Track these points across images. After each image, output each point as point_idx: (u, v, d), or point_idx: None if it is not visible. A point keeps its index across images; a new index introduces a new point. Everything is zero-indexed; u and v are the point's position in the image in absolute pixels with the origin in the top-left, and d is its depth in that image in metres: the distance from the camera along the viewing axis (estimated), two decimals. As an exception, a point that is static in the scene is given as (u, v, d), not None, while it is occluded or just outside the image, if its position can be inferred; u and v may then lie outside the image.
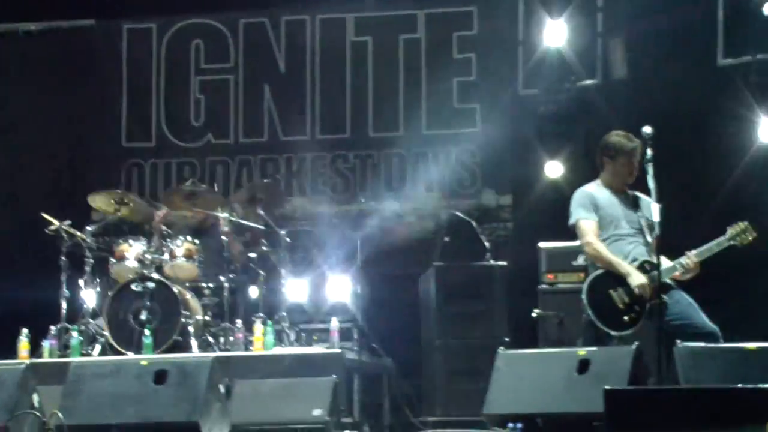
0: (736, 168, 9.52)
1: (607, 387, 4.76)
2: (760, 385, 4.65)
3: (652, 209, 6.26)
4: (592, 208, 6.83)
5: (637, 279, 6.52)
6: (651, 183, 6.33)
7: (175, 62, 11.43)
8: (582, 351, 6.11)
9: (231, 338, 8.62)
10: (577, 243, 8.49)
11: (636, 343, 6.05)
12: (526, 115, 10.50)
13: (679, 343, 5.91)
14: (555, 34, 9.83)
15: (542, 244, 8.81)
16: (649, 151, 6.47)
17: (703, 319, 6.52)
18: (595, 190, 6.94)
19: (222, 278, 8.93)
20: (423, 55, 11.19)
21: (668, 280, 6.62)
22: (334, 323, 8.65)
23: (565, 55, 9.96)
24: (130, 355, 8.11)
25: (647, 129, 6.54)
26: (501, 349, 6.44)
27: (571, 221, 6.96)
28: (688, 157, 9.54)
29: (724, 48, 9.42)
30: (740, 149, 9.57)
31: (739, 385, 5.02)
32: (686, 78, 9.76)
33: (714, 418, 4.51)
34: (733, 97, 9.51)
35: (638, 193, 6.91)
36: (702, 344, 6.08)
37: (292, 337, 9.06)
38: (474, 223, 9.58)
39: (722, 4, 9.34)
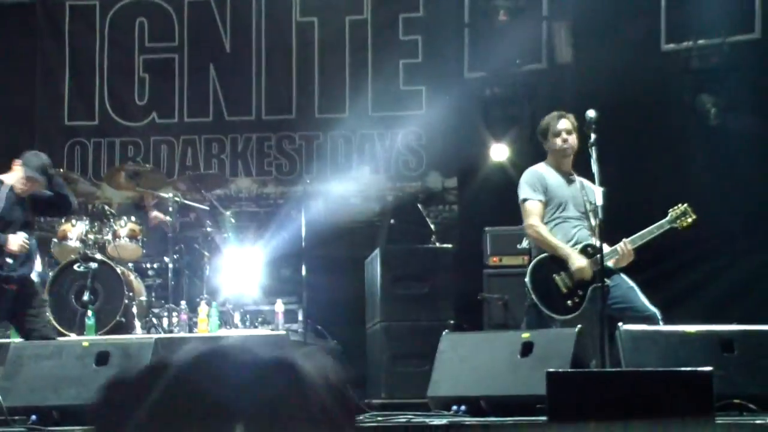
0: (680, 153, 9.62)
1: (549, 370, 4.78)
2: (700, 368, 4.71)
3: (595, 193, 6.30)
4: (541, 188, 6.84)
5: (578, 262, 6.56)
6: (594, 167, 6.36)
7: (118, 41, 11.30)
8: (525, 334, 6.13)
9: (175, 320, 8.56)
10: (520, 226, 8.61)
11: (578, 326, 6.08)
12: (471, 98, 10.51)
13: (621, 327, 5.95)
14: (500, 17, 9.86)
15: (487, 228, 8.86)
16: (592, 135, 6.50)
17: (644, 302, 6.57)
18: (545, 170, 6.95)
19: (166, 258, 8.86)
20: (369, 36, 11.17)
21: (608, 264, 6.67)
22: (279, 305, 8.62)
23: (511, 38, 9.99)
24: (72, 336, 8.02)
25: (591, 113, 6.58)
26: (445, 332, 6.46)
27: (519, 200, 6.96)
28: (633, 142, 9.62)
29: (666, 33, 9.48)
30: (683, 134, 9.67)
31: (679, 368, 5.08)
32: (631, 62, 9.81)
33: (654, 400, 4.55)
34: (676, 82, 9.60)
35: (583, 179, 6.94)
36: (643, 327, 6.13)
37: (237, 318, 9.02)
38: (420, 206, 9.60)
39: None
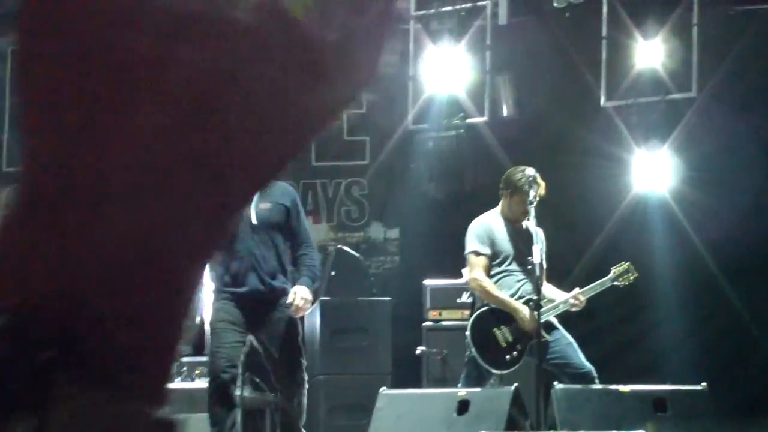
0: (617, 208, 9.72)
1: (482, 432, 4.78)
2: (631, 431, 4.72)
3: (534, 251, 6.32)
4: (487, 241, 6.84)
5: (526, 315, 6.54)
6: (533, 225, 6.38)
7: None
8: (462, 392, 6.13)
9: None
10: (460, 280, 8.64)
11: (515, 384, 6.09)
12: (414, 149, 10.55)
13: (556, 385, 5.97)
14: (445, 70, 9.94)
15: (427, 281, 8.86)
16: (531, 193, 6.53)
17: (581, 359, 6.59)
18: (493, 220, 6.94)
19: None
20: (314, 86, 11.16)
21: (552, 319, 6.69)
22: (217, 357, 8.47)
23: (454, 91, 10.06)
24: None
25: (530, 171, 6.62)
26: (382, 390, 6.43)
27: (465, 252, 6.97)
28: (572, 196, 9.70)
29: (606, 90, 9.61)
30: (621, 190, 9.78)
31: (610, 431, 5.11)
32: (571, 118, 9.93)
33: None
34: (615, 138, 9.72)
35: (530, 225, 6.93)
36: (578, 386, 6.16)
37: (174, 370, 8.89)
38: (361, 258, 9.58)
39: (605, 47, 9.53)
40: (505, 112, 10.04)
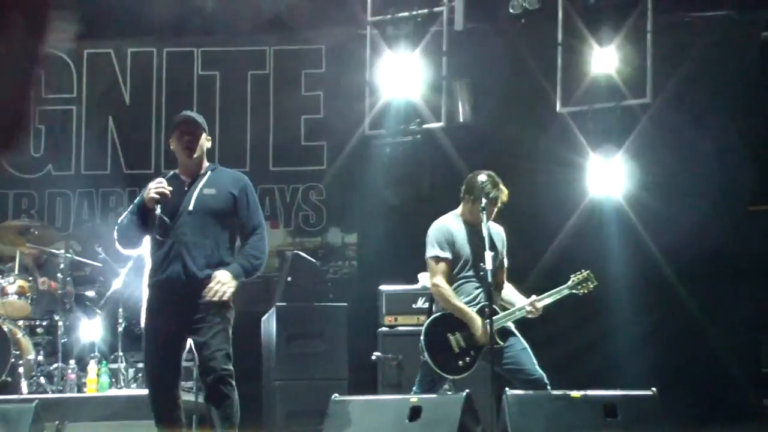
0: (573, 213, 9.78)
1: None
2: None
3: (486, 257, 6.31)
4: (448, 246, 6.78)
5: (480, 329, 6.52)
6: (485, 231, 6.39)
7: (14, 91, 11.10)
8: (414, 398, 6.12)
9: (64, 379, 8.36)
10: (416, 286, 8.65)
11: (467, 390, 6.09)
12: (372, 155, 10.55)
13: (508, 391, 5.98)
14: (401, 76, 9.95)
15: (382, 287, 8.85)
16: (483, 200, 6.54)
17: (533, 364, 6.58)
18: (453, 223, 6.89)
19: (56, 316, 8.67)
20: (271, 91, 11.18)
21: (509, 324, 6.70)
22: (172, 363, 8.43)
23: (411, 97, 10.08)
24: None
25: (482, 177, 6.62)
26: (334, 397, 6.41)
27: (426, 256, 6.92)
28: (529, 201, 9.74)
29: (562, 96, 9.66)
30: (577, 195, 9.84)
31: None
32: (527, 123, 9.99)
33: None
34: (570, 144, 9.77)
35: (490, 224, 6.90)
36: (530, 392, 6.17)
37: (130, 376, 8.84)
38: (317, 263, 9.57)
39: (561, 53, 9.58)
40: (461, 118, 10.05)
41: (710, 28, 9.76)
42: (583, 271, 6.77)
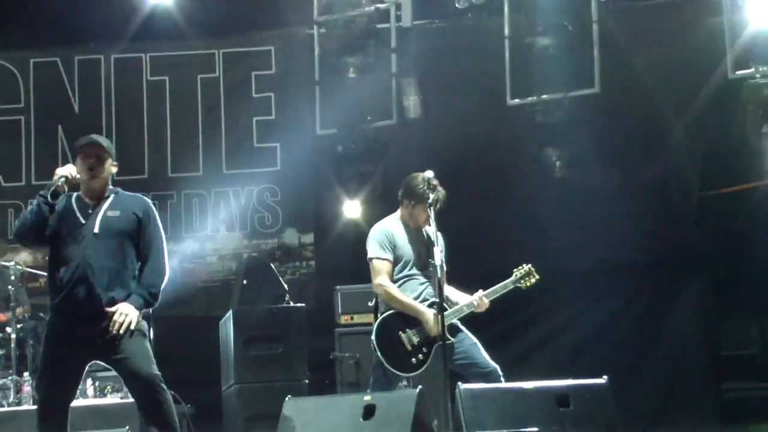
0: (527, 204, 9.81)
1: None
2: (526, 429, 4.76)
3: (435, 253, 6.31)
4: (389, 246, 6.80)
5: (431, 318, 6.52)
6: (432, 227, 6.38)
7: (-39, 103, 11.03)
8: (367, 396, 6.10)
9: (20, 392, 8.29)
10: (371, 284, 8.63)
11: (420, 387, 6.09)
12: (324, 154, 10.55)
13: (461, 385, 5.97)
14: (351, 74, 9.95)
15: (338, 287, 8.87)
16: (431, 196, 6.54)
17: (485, 358, 6.59)
18: (393, 225, 6.90)
19: (9, 329, 8.59)
20: (222, 94, 11.14)
21: (455, 321, 6.70)
22: (129, 371, 8.36)
23: (361, 95, 10.09)
24: None
25: (429, 173, 6.62)
26: (287, 398, 6.39)
27: (368, 257, 6.92)
28: (481, 194, 9.78)
29: (512, 88, 9.69)
30: (530, 186, 9.87)
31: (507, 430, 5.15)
32: (478, 117, 10.01)
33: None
34: (522, 135, 9.81)
35: (429, 228, 6.93)
36: (482, 385, 6.17)
37: (88, 385, 8.77)
38: (273, 266, 9.55)
39: (508, 46, 9.61)
40: (412, 114, 10.07)
41: (653, 14, 9.82)
42: (524, 265, 6.80)
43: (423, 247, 6.81)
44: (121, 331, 5.57)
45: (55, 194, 5.67)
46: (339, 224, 10.52)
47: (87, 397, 8.57)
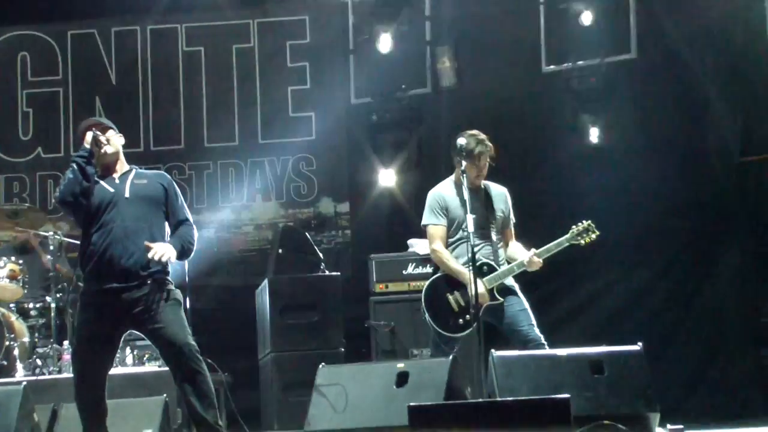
0: (562, 172, 9.76)
1: (411, 404, 4.79)
2: (558, 395, 4.75)
3: (468, 219, 6.30)
4: (441, 211, 6.84)
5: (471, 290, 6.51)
6: (465, 194, 6.37)
7: (0, 75, 11.09)
8: (400, 364, 6.15)
9: (59, 360, 8.39)
10: (407, 252, 8.69)
11: (452, 354, 6.11)
12: (359, 123, 10.55)
13: (494, 352, 5.98)
14: (385, 43, 9.92)
15: (373, 255, 8.88)
16: (463, 163, 6.53)
17: (529, 326, 6.59)
18: (445, 189, 6.93)
19: (48, 298, 8.68)
20: (257, 64, 11.15)
21: (508, 282, 6.72)
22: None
23: (396, 64, 10.06)
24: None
25: (461, 140, 6.62)
26: (321, 366, 6.44)
27: (422, 224, 6.96)
28: (517, 162, 9.72)
29: (546, 55, 9.62)
30: (565, 153, 9.81)
31: (538, 396, 5.15)
32: (513, 84, 9.95)
33: (515, 428, 4.59)
34: (557, 102, 9.74)
35: (491, 186, 6.93)
36: (515, 352, 6.18)
37: (127, 353, 8.86)
38: (308, 235, 9.58)
39: (543, 12, 9.53)
40: (446, 83, 10.04)
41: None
42: (583, 221, 6.75)
43: (482, 206, 6.81)
44: (164, 259, 5.64)
45: (90, 153, 5.81)
46: (374, 193, 10.52)
47: (125, 365, 8.64)
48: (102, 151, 5.83)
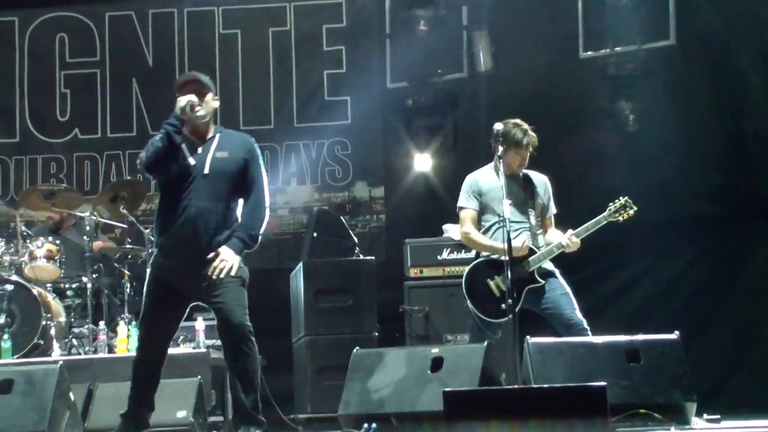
0: (598, 158, 9.71)
1: (446, 389, 4.79)
2: (594, 383, 4.74)
3: (504, 205, 6.27)
4: (474, 195, 6.83)
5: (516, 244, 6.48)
6: (502, 180, 6.35)
7: (38, 56, 11.18)
8: (435, 349, 6.13)
9: (94, 340, 8.45)
10: (441, 237, 8.68)
11: (487, 340, 6.09)
12: (394, 108, 10.54)
13: (529, 339, 5.96)
14: (422, 27, 9.89)
15: (407, 240, 8.87)
16: (500, 148, 6.51)
17: (572, 309, 6.56)
18: (482, 175, 6.91)
19: (85, 279, 8.75)
20: (293, 47, 11.15)
21: (547, 265, 6.69)
22: (200, 322, 8.50)
23: (432, 48, 10.03)
24: (-12, 361, 7.89)
25: (498, 126, 6.59)
26: (356, 350, 6.44)
27: (457, 208, 6.97)
28: (552, 148, 9.64)
29: (584, 40, 9.56)
30: (602, 140, 9.76)
31: (574, 384, 5.13)
32: (550, 70, 9.91)
33: (550, 416, 4.58)
34: (594, 88, 9.68)
35: (531, 173, 6.92)
36: (551, 339, 6.15)
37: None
38: (343, 219, 9.59)
39: (581, -2, 9.51)
40: (482, 67, 10.00)
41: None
42: (620, 198, 6.71)
43: (521, 192, 6.79)
44: (221, 276, 5.66)
45: (181, 122, 5.70)
46: (409, 177, 10.52)
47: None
48: (195, 114, 5.70)
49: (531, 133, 6.75)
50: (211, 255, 5.69)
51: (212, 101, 5.87)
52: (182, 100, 5.70)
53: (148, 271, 5.96)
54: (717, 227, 9.62)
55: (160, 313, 5.81)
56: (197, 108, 5.70)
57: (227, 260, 5.68)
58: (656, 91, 9.44)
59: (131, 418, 5.91)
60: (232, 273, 5.71)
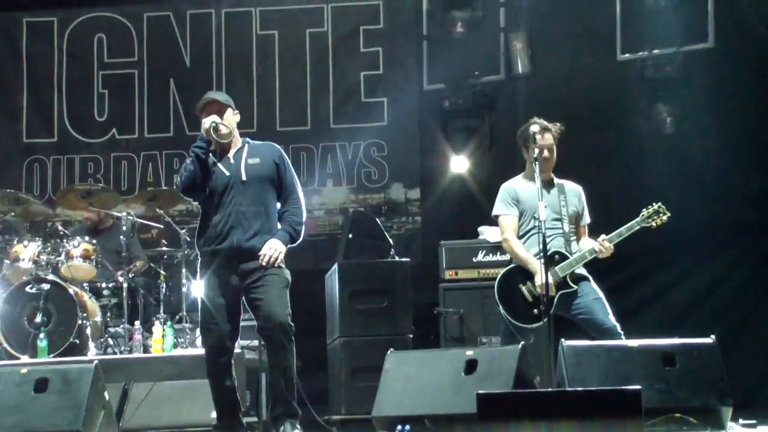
0: (636, 161, 9.65)
1: (479, 391, 4.77)
2: (629, 387, 4.69)
3: (540, 208, 6.25)
4: (512, 202, 6.85)
5: (539, 279, 6.49)
6: (537, 183, 6.33)
7: (77, 56, 11.25)
8: (469, 351, 6.10)
9: (130, 340, 8.49)
10: (477, 240, 8.66)
11: (522, 343, 6.06)
12: (431, 110, 10.53)
13: (563, 342, 5.93)
14: (459, 29, 9.87)
15: (443, 242, 8.86)
16: (536, 150, 6.49)
17: (605, 314, 6.54)
18: (518, 182, 6.94)
19: (121, 278, 8.79)
20: (330, 48, 11.16)
21: (580, 270, 6.67)
22: (236, 322, 8.51)
23: (469, 50, 10.01)
24: (24, 359, 7.94)
25: (534, 128, 6.57)
26: (390, 351, 6.43)
27: (493, 214, 6.99)
28: (590, 150, 9.64)
29: (622, 43, 9.51)
30: (639, 142, 9.70)
31: (609, 387, 5.09)
32: (588, 72, 9.86)
33: (584, 419, 4.55)
34: (632, 91, 9.62)
35: (565, 181, 6.93)
36: (586, 342, 6.11)
37: (196, 336, 8.94)
38: (378, 221, 9.58)
39: (619, 0, 9.43)
40: (520, 70, 9.97)
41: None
42: (654, 204, 6.69)
43: (554, 198, 6.78)
44: (270, 262, 5.98)
45: (208, 143, 6.09)
46: (445, 180, 10.50)
47: (195, 347, 8.70)
48: (220, 133, 6.09)
49: (544, 122, 6.75)
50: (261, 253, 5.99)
51: (232, 117, 6.30)
52: (206, 122, 6.12)
53: (203, 283, 6.21)
54: (756, 231, 9.53)
55: (221, 316, 6.09)
56: (221, 127, 6.10)
57: (276, 248, 5.99)
58: (694, 93, 9.38)
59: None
60: (280, 260, 6.02)
